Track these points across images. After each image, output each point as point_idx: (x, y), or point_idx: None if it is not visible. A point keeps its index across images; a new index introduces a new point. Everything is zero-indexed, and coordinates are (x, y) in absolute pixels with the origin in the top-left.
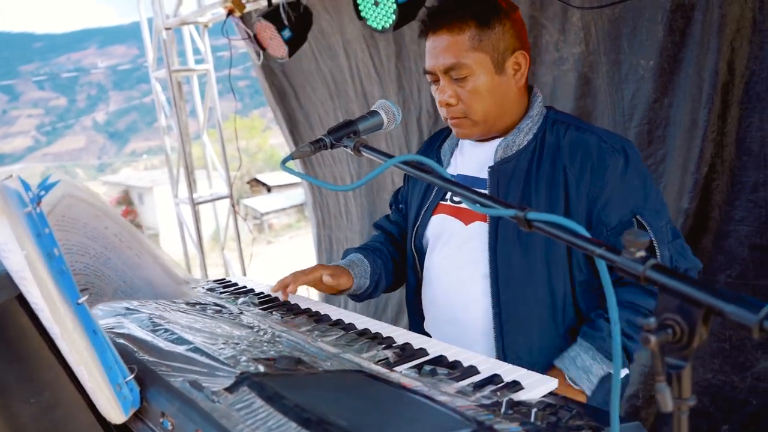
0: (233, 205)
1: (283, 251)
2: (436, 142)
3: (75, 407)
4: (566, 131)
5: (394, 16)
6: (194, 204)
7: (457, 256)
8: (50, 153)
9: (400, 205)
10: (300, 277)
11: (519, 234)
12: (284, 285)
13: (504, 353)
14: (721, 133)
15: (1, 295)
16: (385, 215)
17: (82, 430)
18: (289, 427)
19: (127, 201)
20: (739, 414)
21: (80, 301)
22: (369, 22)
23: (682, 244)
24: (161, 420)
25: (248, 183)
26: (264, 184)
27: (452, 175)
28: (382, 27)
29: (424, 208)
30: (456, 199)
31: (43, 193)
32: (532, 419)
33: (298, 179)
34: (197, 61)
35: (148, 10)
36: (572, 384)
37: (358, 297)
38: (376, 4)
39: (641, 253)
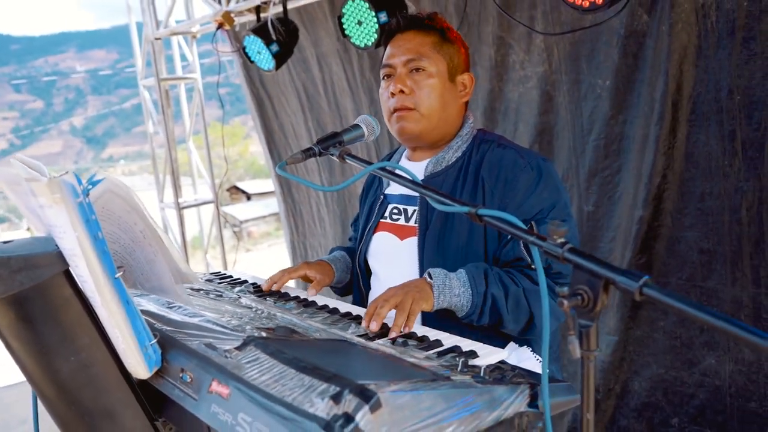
0: (218, 208)
1: (261, 259)
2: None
3: (106, 366)
4: (489, 148)
5: (375, 35)
6: (180, 208)
7: (393, 271)
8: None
9: (355, 227)
10: (287, 273)
11: (439, 246)
12: (273, 281)
13: None
14: (671, 147)
15: (53, 269)
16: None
17: (111, 386)
18: (289, 372)
19: None
20: (688, 407)
21: (117, 276)
22: (353, 40)
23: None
24: (181, 375)
25: (228, 190)
26: (243, 192)
27: (389, 195)
28: (365, 45)
29: (367, 228)
30: (395, 216)
31: (90, 187)
32: (482, 374)
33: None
34: (184, 68)
35: (135, 15)
36: (427, 277)
37: (340, 290)
38: (360, 23)
39: (561, 240)
